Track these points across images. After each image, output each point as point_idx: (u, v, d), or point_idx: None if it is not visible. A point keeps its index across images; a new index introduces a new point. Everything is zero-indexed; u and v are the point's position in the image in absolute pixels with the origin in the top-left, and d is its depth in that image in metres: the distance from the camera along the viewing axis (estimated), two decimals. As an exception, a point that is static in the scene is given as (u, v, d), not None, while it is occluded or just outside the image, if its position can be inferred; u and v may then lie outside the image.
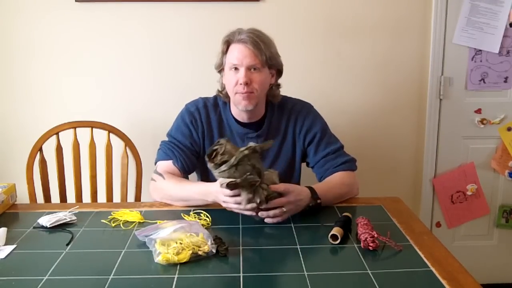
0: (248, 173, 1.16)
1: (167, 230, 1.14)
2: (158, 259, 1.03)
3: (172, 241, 1.08)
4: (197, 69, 2.07)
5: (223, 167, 1.16)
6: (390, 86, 2.16)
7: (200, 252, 1.06)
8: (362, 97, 2.16)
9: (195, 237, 1.10)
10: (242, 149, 1.17)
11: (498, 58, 2.12)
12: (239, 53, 1.40)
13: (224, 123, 1.53)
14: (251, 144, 1.19)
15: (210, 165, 1.19)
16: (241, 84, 1.40)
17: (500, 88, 2.16)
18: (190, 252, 1.05)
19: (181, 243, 1.07)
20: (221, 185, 1.18)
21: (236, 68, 1.42)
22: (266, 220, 1.25)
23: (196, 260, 1.04)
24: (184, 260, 1.03)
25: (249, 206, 1.21)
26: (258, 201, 1.19)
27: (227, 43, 1.44)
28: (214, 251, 1.07)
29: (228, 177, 1.17)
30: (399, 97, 2.17)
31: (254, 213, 1.23)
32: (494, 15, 2.06)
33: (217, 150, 1.17)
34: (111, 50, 2.05)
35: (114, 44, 2.04)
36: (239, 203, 1.22)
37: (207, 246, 1.07)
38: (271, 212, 1.23)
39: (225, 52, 1.45)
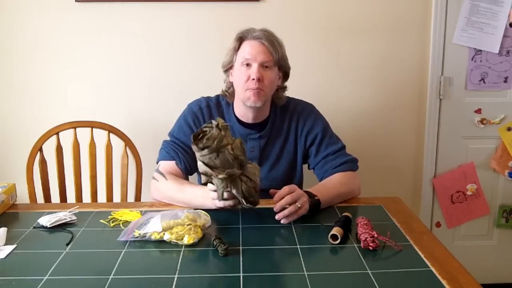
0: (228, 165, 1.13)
1: (155, 220, 1.18)
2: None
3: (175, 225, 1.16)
4: (197, 69, 2.07)
5: (205, 152, 1.11)
6: (390, 86, 2.16)
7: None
8: (362, 97, 2.16)
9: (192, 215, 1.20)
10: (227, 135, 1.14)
11: (498, 58, 2.12)
12: (252, 49, 1.40)
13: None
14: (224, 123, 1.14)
15: (194, 148, 1.13)
16: (253, 79, 1.39)
17: (500, 88, 2.16)
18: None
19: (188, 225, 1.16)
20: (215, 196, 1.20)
21: (248, 64, 1.41)
22: (282, 221, 1.23)
23: (197, 259, 1.04)
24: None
25: (221, 203, 1.21)
26: (234, 191, 1.16)
27: (240, 39, 1.44)
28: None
29: (208, 163, 1.13)
30: (399, 97, 2.17)
31: (230, 204, 1.21)
32: (494, 15, 2.06)
33: (205, 133, 1.13)
34: (112, 50, 2.05)
35: (115, 44, 2.04)
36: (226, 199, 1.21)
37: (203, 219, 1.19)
38: (286, 211, 1.22)
39: (237, 49, 1.45)
